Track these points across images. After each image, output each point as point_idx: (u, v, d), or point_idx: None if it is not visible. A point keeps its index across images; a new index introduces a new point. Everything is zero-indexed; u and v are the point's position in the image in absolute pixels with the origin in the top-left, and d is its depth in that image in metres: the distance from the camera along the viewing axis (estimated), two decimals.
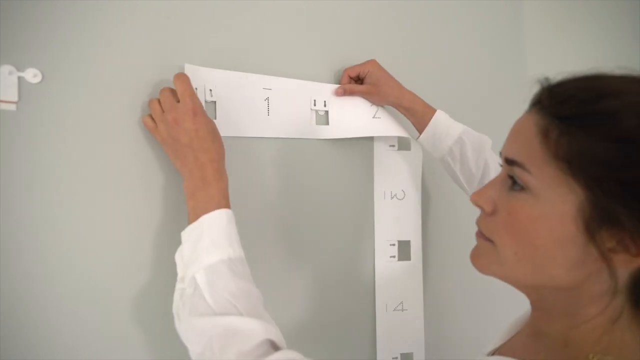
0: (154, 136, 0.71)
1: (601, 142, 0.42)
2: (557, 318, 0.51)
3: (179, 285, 0.63)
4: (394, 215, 0.99)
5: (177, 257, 0.65)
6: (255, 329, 0.57)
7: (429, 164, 1.03)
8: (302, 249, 0.90)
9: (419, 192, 1.01)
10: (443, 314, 1.09)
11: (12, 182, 0.63)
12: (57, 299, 0.67)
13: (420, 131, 0.93)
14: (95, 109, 0.69)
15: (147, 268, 0.73)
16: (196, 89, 0.74)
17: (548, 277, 0.48)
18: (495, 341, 0.63)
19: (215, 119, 0.77)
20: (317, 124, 0.90)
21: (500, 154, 0.52)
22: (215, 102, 0.78)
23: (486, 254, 0.52)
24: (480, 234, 0.53)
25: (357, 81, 0.94)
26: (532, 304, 0.55)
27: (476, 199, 0.52)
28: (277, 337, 0.59)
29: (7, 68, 0.62)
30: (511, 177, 0.49)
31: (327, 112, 0.91)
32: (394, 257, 0.99)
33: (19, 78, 0.63)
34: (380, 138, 0.98)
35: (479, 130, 0.93)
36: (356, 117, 0.93)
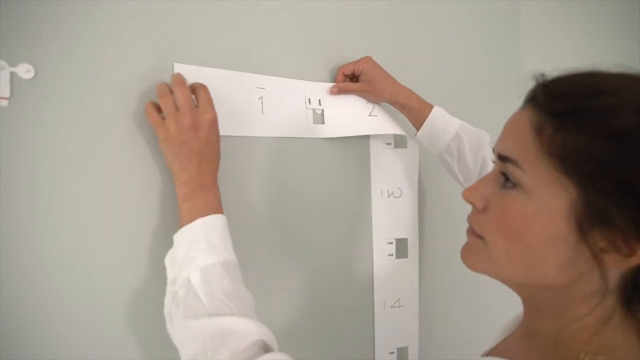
0: (156, 130, 0.68)
1: (596, 140, 0.41)
2: (548, 317, 0.51)
3: (170, 288, 0.63)
4: (391, 213, 0.99)
5: (167, 260, 0.65)
6: (249, 329, 0.57)
7: (425, 161, 1.03)
8: (300, 248, 0.90)
9: (416, 190, 1.01)
10: (437, 310, 1.10)
11: (3, 178, 0.63)
12: (48, 301, 0.66)
13: (418, 128, 0.92)
14: (88, 105, 0.68)
15: (138, 270, 0.73)
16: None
17: (539, 275, 0.47)
18: (491, 341, 0.62)
19: None
20: (313, 122, 0.90)
21: (493, 150, 0.51)
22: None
23: (477, 251, 0.51)
24: (471, 231, 0.53)
25: (352, 79, 0.93)
26: (524, 302, 0.55)
27: (468, 195, 0.52)
28: (269, 338, 0.59)
29: None
30: (504, 174, 0.48)
31: (322, 110, 0.91)
32: (391, 255, 0.99)
33: (11, 73, 0.63)
34: (377, 136, 0.97)
35: (475, 126, 0.93)
36: (352, 116, 0.93)
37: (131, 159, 0.72)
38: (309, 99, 0.89)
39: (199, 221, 0.64)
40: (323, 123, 0.91)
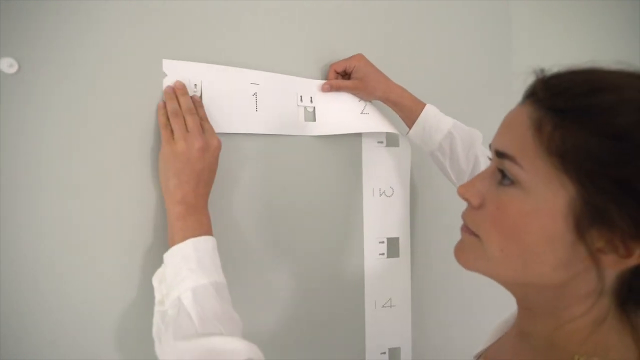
0: (163, 143, 0.68)
1: (597, 137, 0.40)
2: (542, 318, 0.50)
3: (158, 308, 0.63)
4: (383, 212, 0.98)
5: (155, 280, 0.65)
6: (238, 348, 0.57)
7: (417, 160, 1.02)
8: (290, 246, 0.89)
9: (408, 189, 1.00)
10: (430, 309, 1.09)
11: None
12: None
13: (410, 126, 0.92)
14: (73, 100, 0.67)
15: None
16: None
17: (534, 274, 0.46)
18: (484, 342, 0.62)
19: None
20: (304, 120, 0.89)
21: (490, 146, 0.50)
22: (200, 96, 0.76)
23: (471, 249, 0.50)
24: (465, 228, 0.52)
25: (343, 76, 0.92)
26: (518, 302, 0.54)
27: (463, 191, 0.51)
28: (259, 357, 0.58)
29: None
30: (501, 171, 0.48)
31: (314, 108, 0.89)
32: (382, 254, 0.98)
33: None
34: (369, 134, 0.96)
35: (466, 124, 0.93)
36: (344, 113, 0.92)
37: (117, 154, 0.70)
38: (301, 96, 0.88)
39: (190, 241, 0.64)
40: (314, 120, 0.90)
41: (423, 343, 1.05)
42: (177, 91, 0.73)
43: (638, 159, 0.39)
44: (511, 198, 0.46)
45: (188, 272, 0.61)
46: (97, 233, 0.69)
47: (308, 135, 0.89)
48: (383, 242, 0.98)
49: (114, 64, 0.70)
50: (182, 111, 0.71)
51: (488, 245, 0.48)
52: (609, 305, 0.46)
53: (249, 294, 0.83)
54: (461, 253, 0.52)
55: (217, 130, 0.73)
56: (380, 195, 0.98)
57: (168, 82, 0.73)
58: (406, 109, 0.91)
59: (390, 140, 0.98)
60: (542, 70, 0.48)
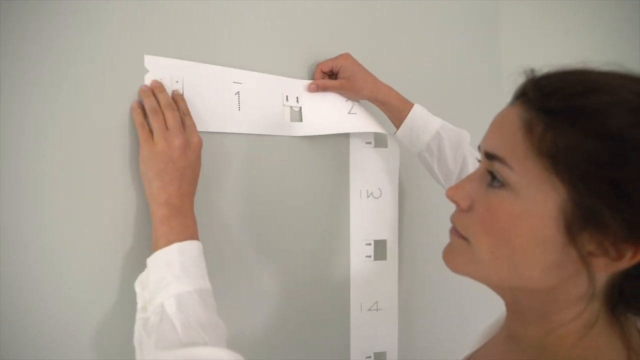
0: (141, 144, 0.66)
1: (589, 139, 0.40)
2: (532, 321, 0.49)
3: (140, 315, 0.61)
4: (370, 214, 0.97)
5: (138, 285, 0.63)
6: (222, 358, 0.55)
7: (406, 161, 1.01)
8: (275, 248, 0.88)
9: (396, 191, 0.99)
10: (417, 314, 1.08)
11: None
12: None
13: (397, 126, 0.91)
14: (52, 97, 0.64)
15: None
16: (161, 79, 0.72)
17: (524, 278, 0.46)
18: (472, 346, 0.61)
19: None
20: (290, 120, 0.87)
21: (479, 147, 0.50)
22: (182, 95, 0.74)
23: (460, 253, 0.50)
24: (454, 231, 0.51)
25: (330, 76, 0.91)
26: (507, 306, 0.54)
27: (452, 194, 0.50)
28: None
29: None
30: (490, 173, 0.47)
31: (300, 108, 0.88)
32: (369, 257, 0.97)
33: None
34: (356, 135, 0.95)
35: (454, 124, 0.92)
36: (331, 113, 0.91)
37: (99, 160, 0.68)
38: (287, 96, 0.86)
39: (175, 246, 0.62)
40: (301, 121, 0.88)
41: (409, 347, 1.04)
42: (155, 89, 0.70)
43: (630, 160, 0.39)
44: (501, 200, 0.45)
45: (172, 278, 0.59)
46: (76, 235, 0.67)
47: (294, 136, 0.88)
48: (370, 244, 0.97)
49: (94, 60, 0.67)
50: (162, 107, 0.68)
51: (477, 248, 0.47)
52: (599, 309, 0.46)
53: (233, 297, 0.81)
54: (450, 257, 0.51)
55: (199, 129, 0.72)
56: (368, 196, 0.97)
57: (150, 78, 0.71)
58: (394, 109, 0.90)
59: (379, 141, 0.97)
60: (532, 71, 0.47)
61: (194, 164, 0.68)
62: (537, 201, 0.42)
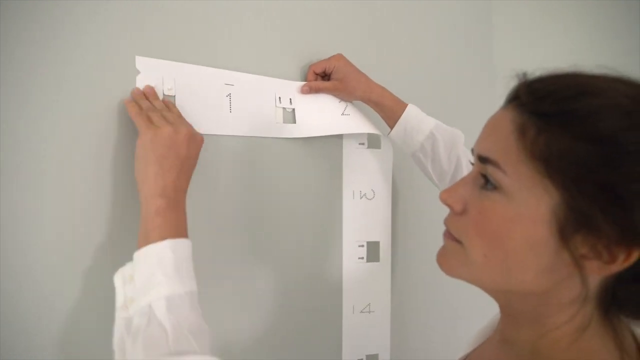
0: (141, 130, 0.63)
1: (581, 142, 0.40)
2: (525, 325, 0.49)
3: (122, 314, 0.57)
4: (363, 215, 0.97)
5: (118, 279, 0.59)
6: None
7: (399, 162, 1.01)
8: (268, 250, 0.87)
9: (389, 192, 0.99)
10: (410, 316, 1.08)
11: None
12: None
13: (391, 126, 0.91)
14: (45, 98, 0.64)
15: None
16: (153, 82, 0.72)
17: (517, 281, 0.46)
18: (465, 349, 0.61)
19: None
20: (284, 122, 0.87)
21: (472, 150, 0.50)
22: (174, 96, 0.74)
23: (454, 255, 0.50)
24: (448, 234, 0.51)
25: (323, 77, 0.91)
26: (501, 309, 0.54)
27: (445, 197, 0.50)
28: None
29: None
30: (484, 176, 0.46)
31: (293, 109, 0.88)
32: (362, 258, 0.97)
33: None
34: (350, 136, 0.95)
35: (447, 124, 0.92)
36: (324, 115, 0.90)
37: (86, 158, 0.67)
38: (279, 98, 0.86)
39: (168, 242, 0.58)
40: (294, 122, 0.88)
41: (402, 350, 1.04)
42: (149, 96, 0.69)
43: (623, 163, 0.39)
44: (494, 203, 0.45)
45: (163, 277, 0.56)
46: (71, 234, 0.66)
47: (287, 138, 0.87)
48: (363, 245, 0.97)
49: (85, 61, 0.67)
50: (158, 109, 0.67)
51: (471, 251, 0.47)
52: (592, 311, 0.46)
53: (224, 299, 0.81)
54: (444, 259, 0.51)
55: None
56: (361, 198, 0.97)
57: (141, 79, 0.71)
58: (387, 109, 0.90)
59: (372, 142, 0.97)
60: (524, 74, 0.47)
61: (193, 158, 0.66)
62: (530, 204, 0.42)
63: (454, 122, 0.92)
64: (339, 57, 0.88)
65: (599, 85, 0.42)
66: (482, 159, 0.46)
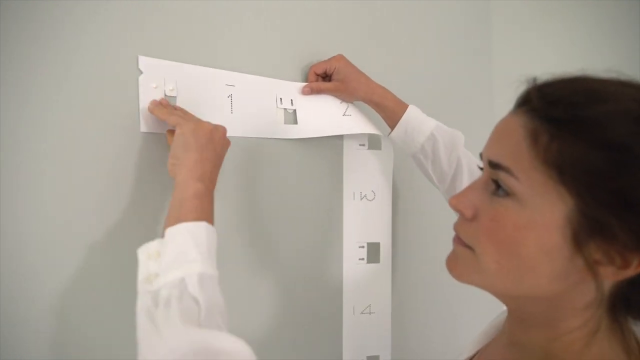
0: (182, 121, 0.66)
1: (594, 149, 0.39)
2: (536, 329, 0.49)
3: (146, 287, 0.55)
4: (364, 216, 0.97)
5: (143, 253, 0.58)
6: (244, 351, 0.51)
7: (400, 163, 1.01)
8: (268, 251, 0.87)
9: (390, 193, 0.99)
10: (410, 317, 1.08)
11: None
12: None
13: (392, 127, 0.90)
14: (48, 98, 0.63)
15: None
16: (156, 87, 0.72)
17: (530, 286, 0.45)
18: (468, 350, 0.61)
19: None
20: (285, 123, 0.87)
21: (481, 155, 0.49)
22: (175, 97, 0.74)
23: (465, 262, 0.49)
24: (458, 240, 0.50)
25: (324, 78, 0.91)
26: (510, 313, 0.53)
27: (455, 202, 0.49)
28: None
29: None
30: (495, 181, 0.46)
31: (294, 110, 0.87)
32: (362, 259, 0.97)
33: None
34: (350, 136, 0.95)
35: (447, 125, 0.91)
36: (325, 116, 0.90)
37: (86, 158, 0.67)
38: (280, 99, 0.86)
39: (204, 225, 0.59)
40: (296, 123, 0.87)
41: (403, 351, 1.04)
42: (166, 106, 0.72)
43: (635, 169, 0.39)
44: (506, 210, 0.44)
45: (198, 255, 0.56)
46: (73, 233, 0.66)
47: (288, 138, 0.87)
48: (363, 246, 0.97)
49: (88, 60, 0.67)
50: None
51: (483, 258, 0.46)
52: (602, 315, 0.46)
53: (225, 299, 0.80)
54: (454, 265, 0.50)
55: None
56: (362, 199, 0.96)
57: (144, 79, 0.70)
58: (388, 110, 0.89)
59: (372, 143, 0.97)
60: (534, 79, 0.47)
61: (222, 158, 0.69)
62: (544, 211, 0.42)
63: (453, 122, 0.92)
64: (340, 57, 0.88)
65: (610, 91, 0.42)
66: (493, 165, 0.46)
